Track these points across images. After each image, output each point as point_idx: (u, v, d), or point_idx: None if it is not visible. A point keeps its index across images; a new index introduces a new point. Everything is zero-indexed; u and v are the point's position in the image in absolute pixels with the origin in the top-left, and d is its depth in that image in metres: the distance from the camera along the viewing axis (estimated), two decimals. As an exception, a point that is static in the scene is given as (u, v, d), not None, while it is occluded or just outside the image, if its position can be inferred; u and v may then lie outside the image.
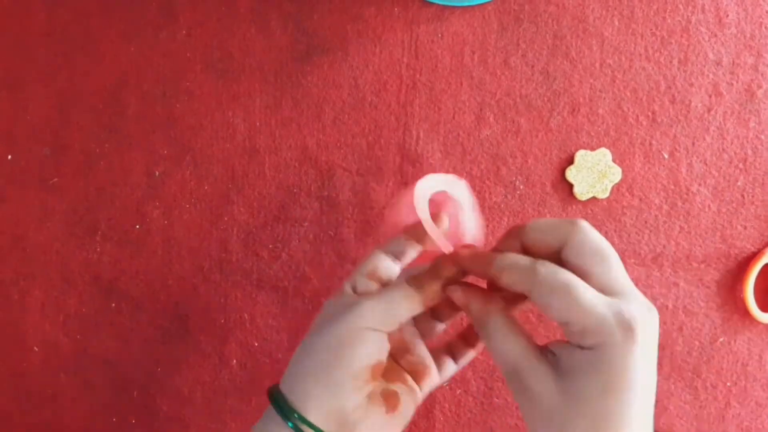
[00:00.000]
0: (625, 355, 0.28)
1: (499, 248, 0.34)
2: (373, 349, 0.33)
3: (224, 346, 0.50)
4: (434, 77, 0.48)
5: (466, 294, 0.33)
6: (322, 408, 0.32)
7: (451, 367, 0.38)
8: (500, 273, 0.31)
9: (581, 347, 0.29)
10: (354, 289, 0.36)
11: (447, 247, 0.35)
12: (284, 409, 0.32)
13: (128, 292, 0.50)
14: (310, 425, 0.31)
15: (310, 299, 0.49)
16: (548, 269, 0.29)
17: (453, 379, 0.49)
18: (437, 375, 0.37)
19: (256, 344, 0.49)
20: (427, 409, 0.49)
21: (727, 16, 0.46)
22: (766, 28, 0.46)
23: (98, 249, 0.50)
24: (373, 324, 0.32)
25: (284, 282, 0.49)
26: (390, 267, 0.37)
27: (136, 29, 0.49)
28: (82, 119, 0.50)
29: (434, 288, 0.34)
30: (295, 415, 0.31)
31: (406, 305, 0.33)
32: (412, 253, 0.38)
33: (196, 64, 0.49)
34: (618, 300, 0.29)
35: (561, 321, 0.29)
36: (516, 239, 0.33)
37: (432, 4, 0.47)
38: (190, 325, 0.50)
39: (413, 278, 0.34)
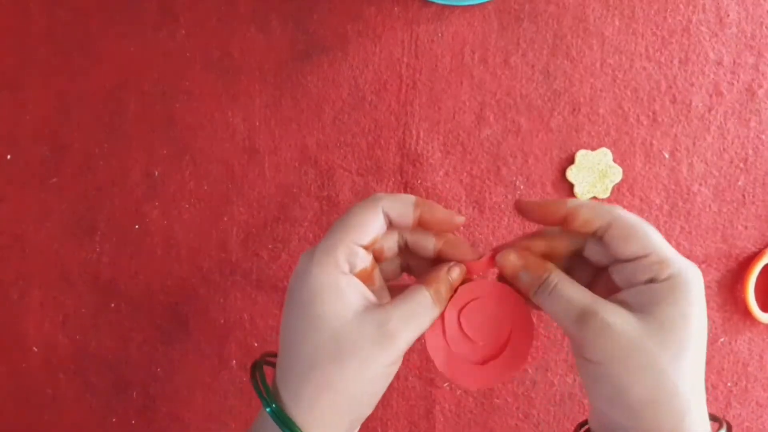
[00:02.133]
0: (699, 286, 0.29)
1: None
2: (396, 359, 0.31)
3: (224, 346, 0.50)
4: (434, 77, 0.47)
5: (521, 256, 0.32)
6: (337, 428, 0.31)
7: None
8: (577, 210, 0.31)
9: (656, 281, 0.29)
10: (350, 265, 0.31)
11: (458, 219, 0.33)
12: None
13: (127, 293, 0.50)
14: None
15: (310, 299, 0.49)
16: (623, 210, 0.31)
17: (453, 380, 0.48)
18: None
19: (256, 345, 0.49)
20: (427, 409, 0.49)
21: (728, 15, 0.46)
22: (766, 27, 0.46)
23: (97, 249, 0.50)
24: (405, 346, 0.31)
25: (284, 282, 0.49)
26: (380, 224, 0.32)
27: (135, 29, 0.49)
28: (81, 119, 0.50)
29: (448, 292, 0.32)
30: None
31: (430, 318, 0.32)
32: (404, 209, 0.32)
33: (196, 64, 0.49)
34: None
35: (639, 254, 0.30)
36: (557, 210, 0.32)
37: (432, 3, 0.47)
38: (190, 326, 0.50)
39: (436, 293, 0.32)
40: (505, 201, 0.47)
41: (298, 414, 0.30)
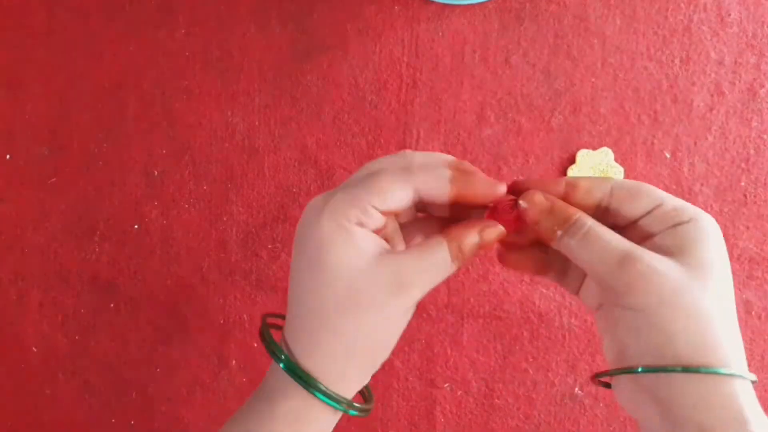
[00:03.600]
0: (716, 224, 0.29)
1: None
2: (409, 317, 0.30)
3: (223, 346, 0.49)
4: (435, 76, 0.47)
5: (547, 197, 0.29)
6: (358, 384, 0.30)
7: None
8: (577, 181, 0.30)
9: (682, 224, 0.28)
10: (362, 223, 0.29)
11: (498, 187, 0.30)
12: (331, 397, 0.29)
13: (127, 293, 0.50)
14: (350, 404, 0.30)
15: (310, 299, 0.49)
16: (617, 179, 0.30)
17: (454, 381, 0.48)
18: None
19: (256, 345, 0.49)
20: (428, 410, 0.49)
21: (729, 15, 0.46)
22: None
23: (97, 249, 0.50)
24: (420, 296, 0.29)
25: (284, 282, 0.49)
26: (406, 199, 0.30)
27: (135, 29, 0.49)
28: (81, 119, 0.50)
29: (472, 251, 0.30)
30: (343, 404, 0.29)
31: (447, 274, 0.29)
32: (439, 190, 0.30)
33: (196, 63, 0.49)
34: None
35: (652, 206, 0.29)
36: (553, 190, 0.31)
37: (432, 2, 0.47)
38: (189, 326, 0.50)
39: (457, 249, 0.29)
40: (506, 201, 0.47)
41: (310, 365, 0.29)
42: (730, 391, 0.26)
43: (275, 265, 0.49)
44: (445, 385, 0.48)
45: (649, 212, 0.29)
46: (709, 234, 0.28)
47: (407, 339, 0.48)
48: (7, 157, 0.50)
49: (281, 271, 0.49)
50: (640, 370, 0.28)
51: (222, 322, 0.49)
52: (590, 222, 0.28)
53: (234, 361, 0.49)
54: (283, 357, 0.29)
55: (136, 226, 0.50)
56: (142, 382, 0.50)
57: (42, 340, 0.51)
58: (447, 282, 0.48)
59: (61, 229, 0.50)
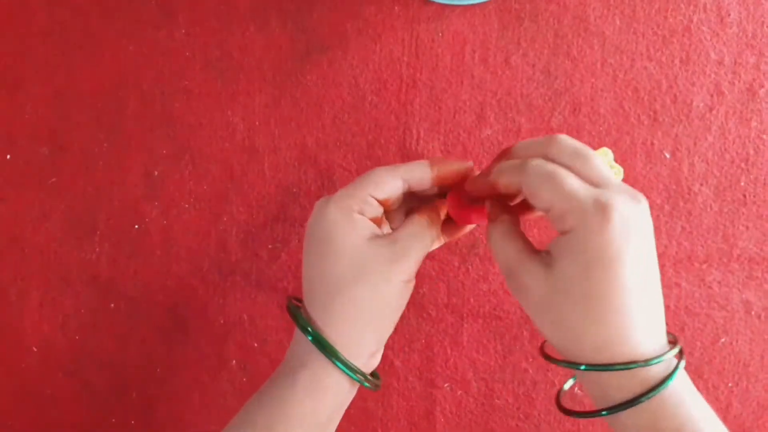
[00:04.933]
0: (600, 232, 0.28)
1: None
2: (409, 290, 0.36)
3: (223, 346, 0.49)
4: (435, 76, 0.47)
5: (492, 204, 0.35)
6: (370, 354, 0.36)
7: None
8: (498, 177, 0.33)
9: (562, 233, 0.30)
10: (362, 211, 0.35)
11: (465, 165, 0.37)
12: (348, 366, 0.34)
13: (127, 293, 0.50)
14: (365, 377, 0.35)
15: (310, 299, 0.49)
16: (537, 162, 0.31)
17: (454, 381, 0.48)
18: None
19: (256, 345, 0.49)
20: (428, 410, 0.49)
21: (729, 15, 0.46)
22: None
23: (97, 249, 0.50)
24: (415, 262, 0.35)
25: (284, 282, 0.49)
26: (397, 187, 0.36)
27: (135, 28, 0.49)
28: (80, 119, 0.50)
29: (438, 217, 0.38)
30: (358, 374, 0.34)
31: (431, 237, 0.36)
32: (422, 175, 0.37)
33: (195, 63, 0.49)
34: (599, 189, 0.30)
35: (545, 208, 0.31)
36: (505, 159, 0.35)
37: (432, 2, 0.47)
38: (189, 326, 0.50)
39: (429, 218, 0.36)
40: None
41: (329, 333, 0.34)
42: (631, 374, 0.30)
43: (275, 265, 0.49)
44: (445, 385, 0.49)
45: (547, 212, 0.31)
46: (581, 243, 0.29)
47: (407, 339, 0.48)
48: (7, 157, 0.50)
49: (281, 271, 0.49)
50: (564, 364, 0.32)
51: (222, 322, 0.49)
52: (494, 230, 0.34)
53: (234, 361, 0.50)
54: (309, 329, 0.34)
55: (136, 226, 0.50)
56: (142, 381, 0.50)
57: (42, 340, 0.51)
58: (447, 282, 0.48)
59: (61, 229, 0.50)
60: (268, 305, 0.49)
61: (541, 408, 0.48)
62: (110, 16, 0.49)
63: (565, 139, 0.32)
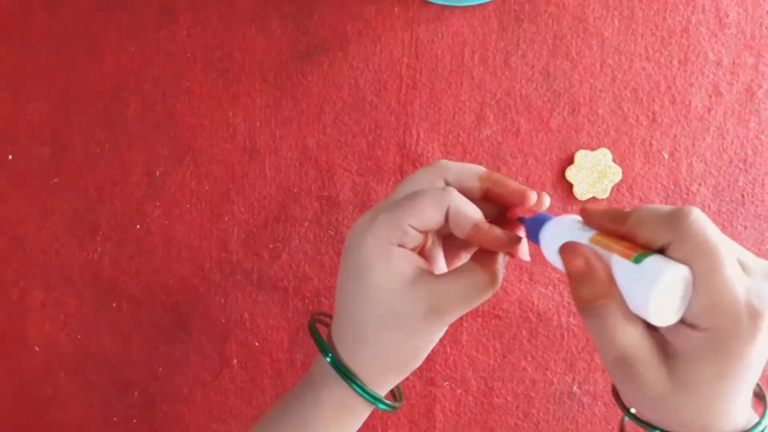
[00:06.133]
0: (747, 343, 0.25)
1: (594, 225, 0.30)
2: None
3: (225, 345, 0.50)
4: (434, 77, 0.48)
5: (589, 264, 0.28)
6: (391, 385, 0.34)
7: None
8: (638, 226, 0.27)
9: (697, 328, 0.26)
10: (402, 243, 0.32)
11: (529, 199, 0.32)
12: (368, 393, 0.33)
13: (128, 292, 0.50)
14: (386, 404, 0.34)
15: (311, 299, 0.49)
16: (697, 216, 0.26)
17: (453, 379, 0.49)
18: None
19: (257, 344, 0.49)
20: (428, 408, 0.49)
21: (728, 16, 0.46)
22: (766, 28, 0.46)
23: (98, 249, 0.50)
24: (453, 320, 0.32)
25: (284, 282, 0.49)
26: (438, 221, 0.32)
27: (136, 29, 0.49)
28: (82, 119, 0.50)
29: (502, 270, 0.32)
30: (378, 400, 0.33)
31: (483, 300, 0.32)
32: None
33: (197, 64, 0.49)
34: (753, 280, 0.26)
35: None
36: (620, 225, 0.28)
37: (432, 3, 0.47)
38: (191, 325, 0.50)
39: (492, 276, 0.32)
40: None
41: (351, 366, 0.33)
42: None
43: (276, 264, 0.49)
44: (445, 384, 0.49)
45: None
46: (722, 351, 0.26)
47: (407, 338, 0.49)
48: (9, 157, 0.51)
49: (282, 270, 0.49)
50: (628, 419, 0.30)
51: (223, 321, 0.50)
52: (612, 315, 0.27)
53: (235, 361, 0.50)
54: (330, 355, 0.33)
55: (137, 226, 0.50)
56: (144, 381, 0.51)
57: (44, 339, 0.51)
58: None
59: (63, 229, 0.50)
60: (269, 305, 0.49)
61: (539, 406, 0.48)
62: (112, 17, 0.49)
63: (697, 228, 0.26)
